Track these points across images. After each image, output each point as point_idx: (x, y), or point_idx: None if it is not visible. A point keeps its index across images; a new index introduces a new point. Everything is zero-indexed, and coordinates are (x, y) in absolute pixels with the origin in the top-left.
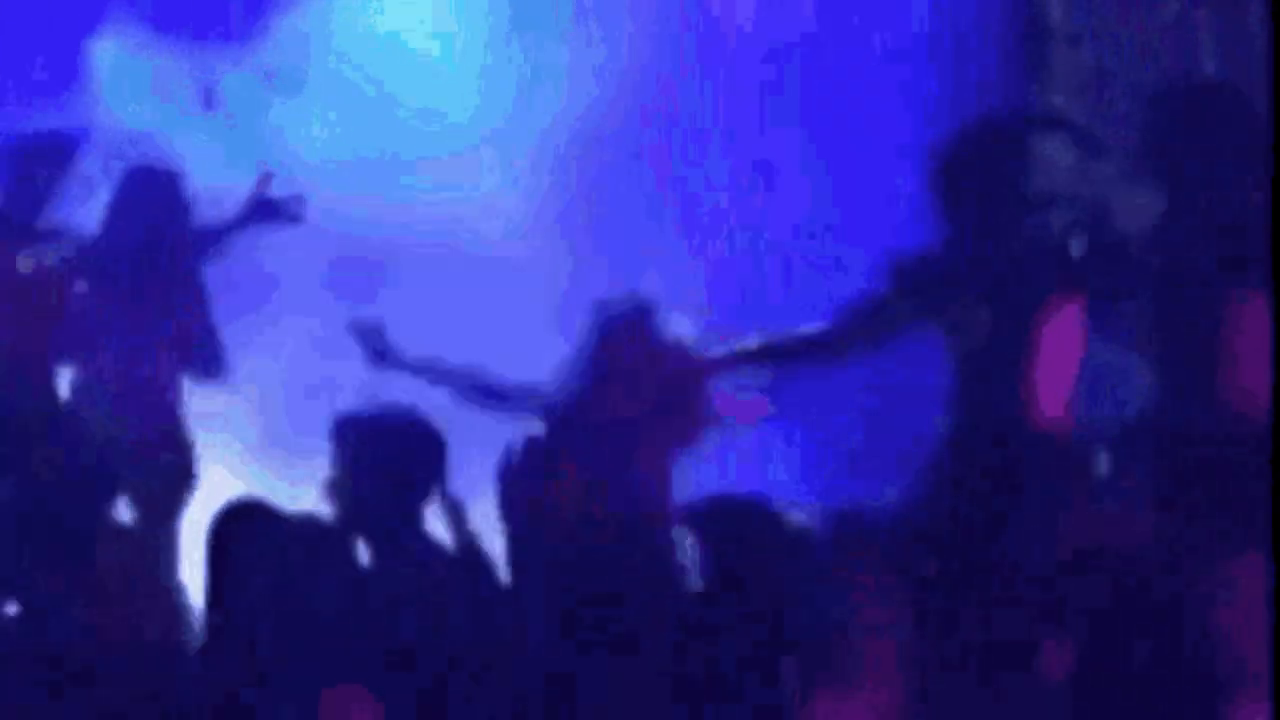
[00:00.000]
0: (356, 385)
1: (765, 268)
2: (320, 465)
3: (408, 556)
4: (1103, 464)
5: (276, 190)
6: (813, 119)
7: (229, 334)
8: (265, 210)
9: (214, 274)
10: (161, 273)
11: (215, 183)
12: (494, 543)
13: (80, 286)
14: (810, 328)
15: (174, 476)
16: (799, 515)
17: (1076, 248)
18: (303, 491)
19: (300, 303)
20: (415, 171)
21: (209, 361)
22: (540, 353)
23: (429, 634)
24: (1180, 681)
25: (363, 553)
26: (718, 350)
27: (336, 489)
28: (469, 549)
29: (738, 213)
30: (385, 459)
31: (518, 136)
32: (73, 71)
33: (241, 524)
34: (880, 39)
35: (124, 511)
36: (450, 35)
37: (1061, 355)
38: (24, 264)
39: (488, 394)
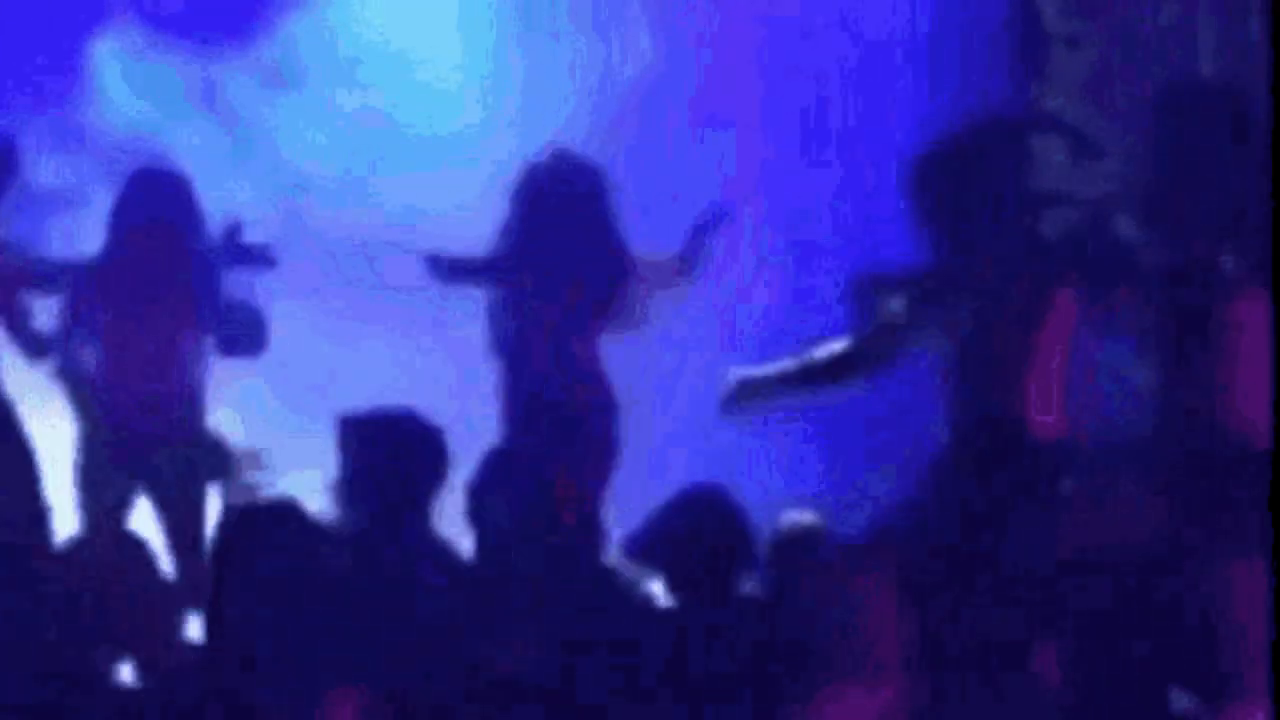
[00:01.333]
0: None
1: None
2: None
3: (414, 556)
4: (1102, 466)
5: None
6: (808, 123)
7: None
8: (235, 256)
9: None
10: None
11: (213, 183)
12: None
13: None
14: (827, 351)
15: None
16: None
17: (1074, 247)
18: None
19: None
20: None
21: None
22: None
23: (435, 633)
24: (1180, 684)
25: (367, 552)
26: (751, 373)
27: (341, 490)
28: None
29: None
30: (387, 459)
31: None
32: (73, 72)
33: (247, 524)
34: (878, 42)
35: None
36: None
37: (1055, 355)
38: None
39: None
